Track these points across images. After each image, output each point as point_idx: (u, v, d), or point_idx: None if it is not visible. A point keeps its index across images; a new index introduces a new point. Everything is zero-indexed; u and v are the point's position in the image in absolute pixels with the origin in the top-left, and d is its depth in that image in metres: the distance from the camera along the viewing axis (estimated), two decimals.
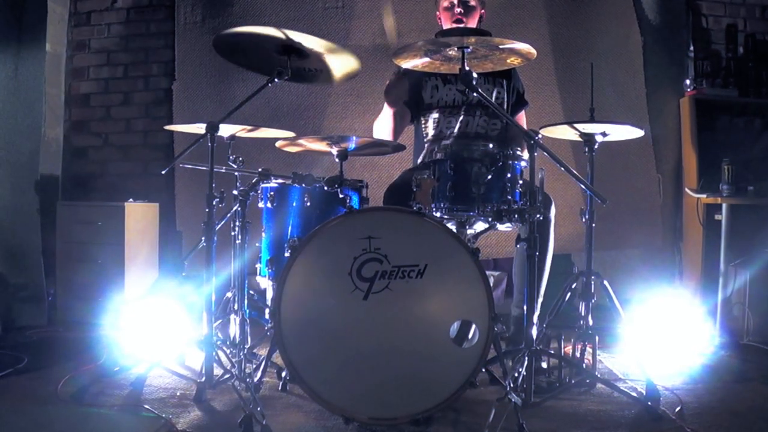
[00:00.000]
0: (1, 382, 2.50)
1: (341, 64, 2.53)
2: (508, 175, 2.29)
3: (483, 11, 3.11)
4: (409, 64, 2.38)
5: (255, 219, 2.57)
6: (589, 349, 2.63)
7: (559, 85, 3.95)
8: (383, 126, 3.11)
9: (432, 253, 2.05)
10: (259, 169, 2.46)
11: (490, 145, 2.35)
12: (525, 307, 2.18)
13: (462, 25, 3.02)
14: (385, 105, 3.09)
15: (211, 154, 2.33)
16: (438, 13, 3.13)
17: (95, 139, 4.47)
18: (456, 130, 3.04)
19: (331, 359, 2.06)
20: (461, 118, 3.05)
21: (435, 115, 3.08)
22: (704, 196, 3.64)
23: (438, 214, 2.29)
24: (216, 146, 2.35)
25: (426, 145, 3.10)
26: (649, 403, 2.20)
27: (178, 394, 2.40)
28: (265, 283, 2.58)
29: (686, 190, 3.89)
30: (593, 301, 2.58)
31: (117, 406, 2.26)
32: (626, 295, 2.96)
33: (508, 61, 2.33)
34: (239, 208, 2.48)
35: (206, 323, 2.30)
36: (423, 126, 3.13)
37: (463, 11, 3.02)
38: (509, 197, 2.27)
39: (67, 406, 2.24)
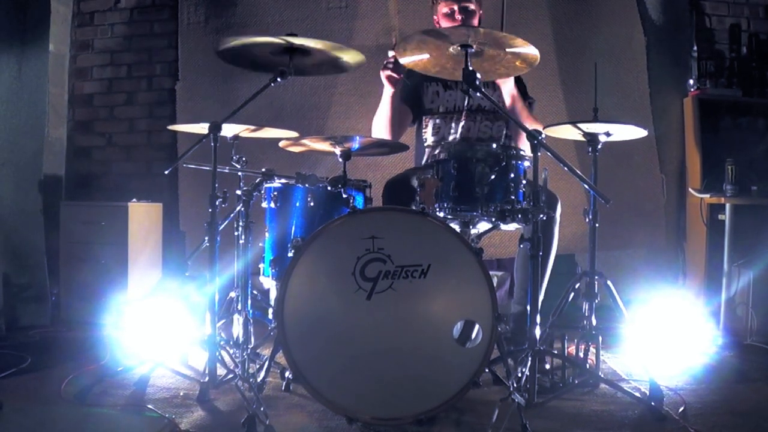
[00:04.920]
0: (5, 382, 2.51)
1: (346, 57, 2.52)
2: (512, 175, 2.29)
3: (481, 11, 3.10)
4: (412, 59, 2.37)
5: (258, 219, 2.57)
6: (592, 350, 2.62)
7: (562, 85, 3.95)
8: (382, 118, 2.99)
9: (435, 253, 2.05)
10: (263, 169, 2.46)
11: (494, 145, 2.35)
12: (528, 307, 2.17)
13: None
14: (385, 89, 2.93)
15: (214, 154, 2.33)
16: (436, 17, 3.10)
17: (99, 139, 4.48)
18: (458, 135, 3.04)
19: (335, 359, 2.06)
20: (462, 123, 3.05)
21: (436, 120, 3.08)
22: (708, 196, 3.63)
23: (441, 214, 2.29)
24: (219, 146, 2.35)
25: (427, 150, 3.10)
26: (653, 403, 2.20)
27: (181, 394, 2.40)
28: (269, 283, 2.59)
29: (690, 190, 3.88)
30: (596, 301, 2.57)
31: (120, 406, 2.26)
32: (629, 296, 2.96)
33: (514, 64, 2.33)
34: (242, 208, 2.47)
35: (209, 323, 2.30)
36: (423, 131, 3.13)
37: (464, 17, 2.99)
38: (513, 197, 2.27)
39: (70, 406, 2.24)
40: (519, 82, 3.16)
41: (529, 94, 3.25)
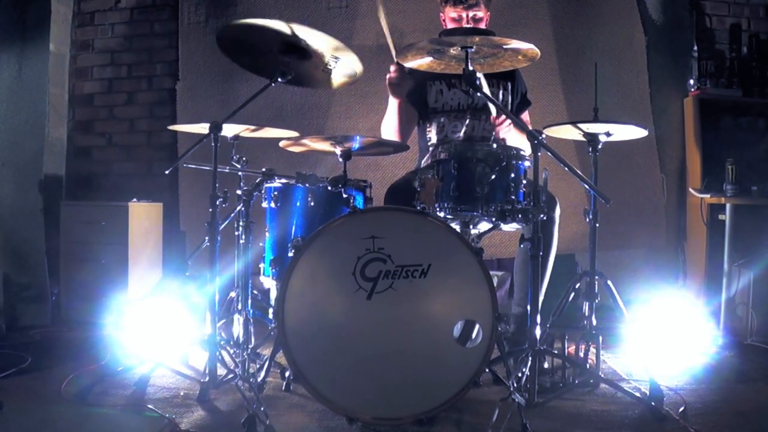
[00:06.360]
0: (5, 382, 2.51)
1: (344, 65, 2.53)
2: (512, 175, 2.29)
3: (488, 13, 3.09)
4: (413, 63, 2.38)
5: (259, 219, 2.57)
6: (592, 349, 2.63)
7: (563, 84, 3.95)
8: (389, 122, 3.03)
9: (435, 252, 2.05)
10: (263, 169, 2.46)
11: (494, 145, 2.35)
12: (529, 307, 2.17)
13: None
14: (390, 98, 2.98)
15: (214, 153, 2.33)
16: (442, 15, 3.10)
17: (99, 138, 4.48)
18: (462, 134, 3.03)
19: (335, 359, 2.06)
20: (467, 122, 3.04)
21: (441, 119, 3.07)
22: (708, 196, 3.63)
23: (442, 214, 2.29)
24: (220, 146, 2.35)
25: (430, 149, 3.09)
26: (653, 403, 2.20)
27: (181, 394, 2.40)
28: (269, 282, 2.59)
29: (690, 190, 3.88)
30: (597, 301, 2.57)
31: (120, 406, 2.27)
32: (630, 295, 2.95)
33: (511, 61, 2.33)
34: (243, 208, 2.47)
35: (210, 323, 2.30)
36: (427, 130, 3.12)
37: (472, 25, 2.97)
38: (513, 197, 2.27)
39: (70, 405, 2.25)
40: (520, 81, 3.17)
41: (531, 93, 3.25)
